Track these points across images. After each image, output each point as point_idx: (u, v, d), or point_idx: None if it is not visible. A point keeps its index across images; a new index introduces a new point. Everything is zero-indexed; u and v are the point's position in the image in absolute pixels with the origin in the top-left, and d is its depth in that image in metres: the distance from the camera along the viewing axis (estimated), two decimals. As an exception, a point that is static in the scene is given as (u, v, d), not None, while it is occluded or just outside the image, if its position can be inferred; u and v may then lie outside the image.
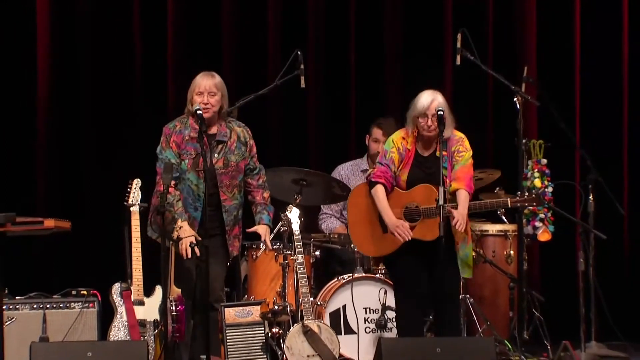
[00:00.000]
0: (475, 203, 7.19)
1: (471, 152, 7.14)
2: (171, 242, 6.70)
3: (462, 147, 7.10)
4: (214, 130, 7.04)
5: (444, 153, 7.04)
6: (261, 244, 7.28)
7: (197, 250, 6.70)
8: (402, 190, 7.10)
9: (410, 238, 6.98)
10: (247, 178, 7.13)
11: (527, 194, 7.38)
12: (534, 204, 7.36)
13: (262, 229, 7.10)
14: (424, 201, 7.03)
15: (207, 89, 6.95)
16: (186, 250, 6.71)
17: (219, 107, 6.99)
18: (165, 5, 9.17)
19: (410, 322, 7.12)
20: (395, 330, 7.64)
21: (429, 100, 7.03)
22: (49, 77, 9.01)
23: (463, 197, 7.00)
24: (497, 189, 8.52)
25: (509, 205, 7.31)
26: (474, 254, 7.15)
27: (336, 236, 8.18)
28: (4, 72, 8.92)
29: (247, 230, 7.17)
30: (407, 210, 7.07)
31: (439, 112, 6.98)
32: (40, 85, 8.97)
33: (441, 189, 6.86)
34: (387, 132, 8.28)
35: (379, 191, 7.09)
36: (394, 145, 7.13)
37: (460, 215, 6.93)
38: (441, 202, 6.85)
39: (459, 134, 7.16)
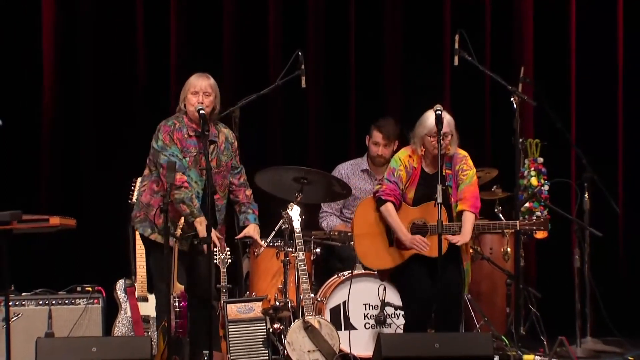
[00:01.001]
0: (484, 224, 7.28)
1: (475, 170, 7.20)
2: (174, 240, 6.75)
3: (466, 166, 7.17)
4: None
5: (449, 172, 7.11)
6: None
7: (204, 247, 6.77)
8: (410, 207, 7.17)
9: (429, 247, 7.05)
10: (229, 177, 7.16)
11: (533, 212, 7.40)
12: (542, 227, 7.39)
13: (250, 229, 7.12)
14: (432, 218, 7.09)
15: (202, 89, 6.95)
16: (213, 242, 6.74)
17: (212, 108, 7.01)
18: (167, 6, 9.19)
19: (419, 330, 7.14)
20: (394, 326, 7.74)
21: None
22: (53, 78, 9.03)
23: (467, 219, 7.07)
24: (495, 187, 8.59)
25: (518, 228, 7.41)
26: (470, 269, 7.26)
27: (336, 234, 8.19)
28: (8, 73, 8.95)
29: (236, 237, 7.20)
30: (415, 226, 7.14)
31: (437, 112, 7.01)
32: (45, 84, 8.99)
33: (439, 187, 6.90)
34: (387, 135, 8.34)
35: (390, 209, 7.15)
36: (401, 163, 7.19)
37: (462, 238, 7.03)
38: (439, 200, 6.91)
39: (462, 152, 7.21)
